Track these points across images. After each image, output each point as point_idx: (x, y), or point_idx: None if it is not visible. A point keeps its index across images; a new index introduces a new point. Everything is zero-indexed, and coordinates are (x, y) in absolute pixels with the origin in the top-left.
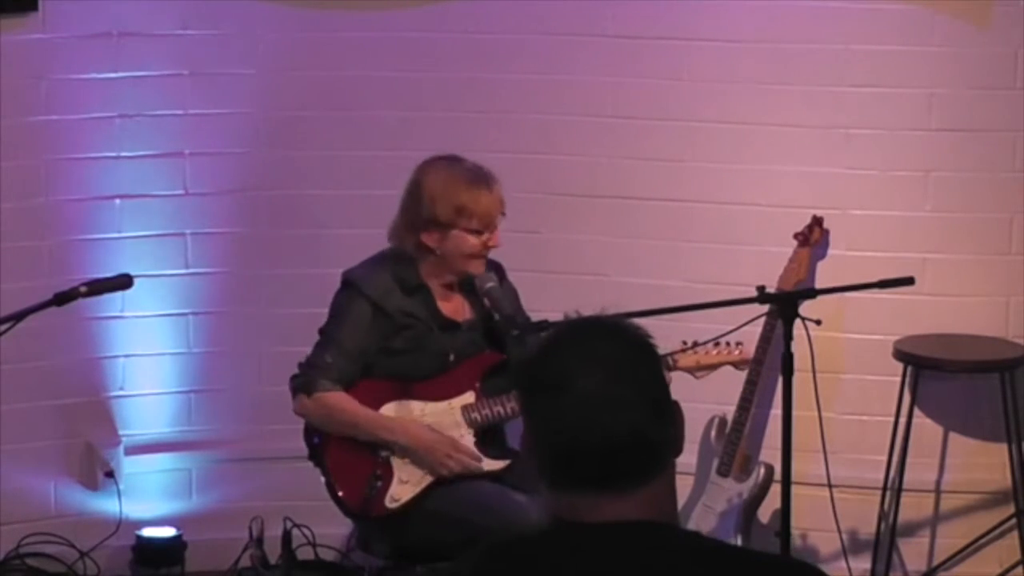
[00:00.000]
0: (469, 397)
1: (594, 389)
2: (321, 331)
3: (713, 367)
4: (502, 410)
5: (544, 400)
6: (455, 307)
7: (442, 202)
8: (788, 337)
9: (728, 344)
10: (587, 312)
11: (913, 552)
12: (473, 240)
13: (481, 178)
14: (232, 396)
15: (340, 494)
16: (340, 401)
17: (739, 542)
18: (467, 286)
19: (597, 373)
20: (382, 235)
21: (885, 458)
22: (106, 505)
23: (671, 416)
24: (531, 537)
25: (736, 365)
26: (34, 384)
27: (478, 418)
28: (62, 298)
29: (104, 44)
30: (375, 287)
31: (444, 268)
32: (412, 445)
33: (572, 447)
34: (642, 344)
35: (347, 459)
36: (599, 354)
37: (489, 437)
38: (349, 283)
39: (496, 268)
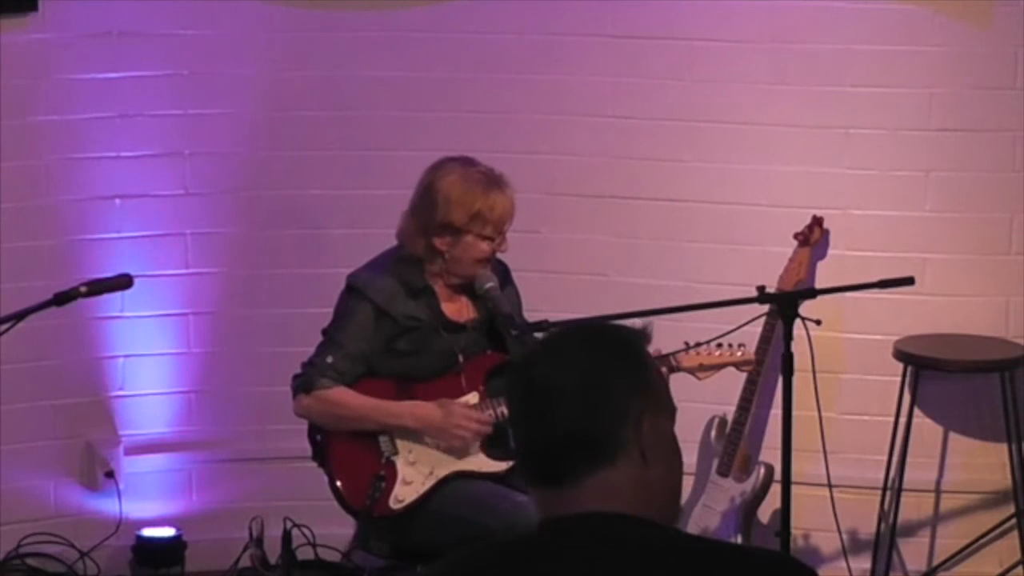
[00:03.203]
0: (473, 398)
1: (536, 383)
2: (324, 332)
3: (716, 368)
4: (505, 411)
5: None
6: (459, 308)
7: (458, 208)
8: (788, 337)
9: (731, 345)
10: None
11: (913, 552)
12: (484, 246)
13: (495, 182)
14: (232, 396)
15: (344, 495)
16: (341, 395)
17: (739, 542)
18: (471, 287)
19: (546, 368)
20: (382, 235)
21: (885, 458)
22: (106, 505)
23: (628, 418)
24: (505, 539)
25: (739, 366)
26: (34, 384)
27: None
28: (62, 298)
29: (104, 44)
30: (379, 291)
31: (451, 271)
32: (420, 426)
33: (522, 441)
34: (618, 345)
35: (351, 460)
36: (562, 352)
37: (493, 438)
38: (353, 286)
39: (503, 269)
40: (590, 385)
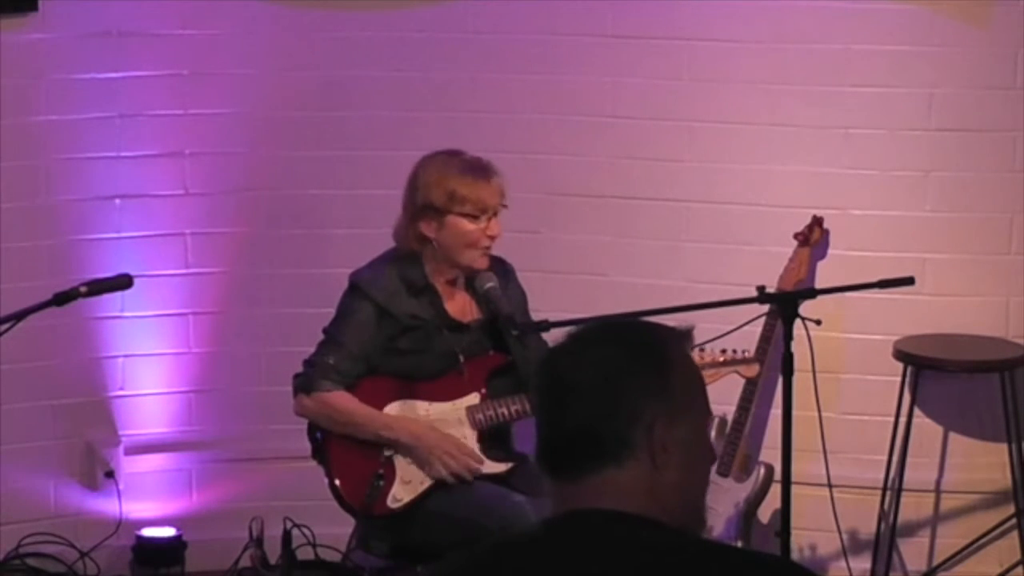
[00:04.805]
0: (474, 398)
1: (554, 374)
2: (325, 331)
3: (718, 368)
4: (507, 411)
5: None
6: (462, 307)
7: (436, 188)
8: (788, 337)
9: (735, 351)
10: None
11: (913, 552)
12: (469, 226)
13: (477, 167)
14: (232, 396)
15: (342, 493)
16: (340, 400)
17: (739, 543)
18: (473, 286)
19: (566, 361)
20: (382, 235)
21: (885, 458)
22: (106, 505)
23: (639, 420)
24: (506, 538)
25: (742, 371)
26: (34, 384)
27: (482, 419)
28: (62, 298)
29: (104, 44)
30: (381, 289)
31: (446, 262)
32: (413, 444)
33: (538, 432)
34: (643, 345)
35: (350, 458)
36: (586, 346)
37: (494, 439)
38: (355, 285)
39: (505, 269)
40: (604, 383)
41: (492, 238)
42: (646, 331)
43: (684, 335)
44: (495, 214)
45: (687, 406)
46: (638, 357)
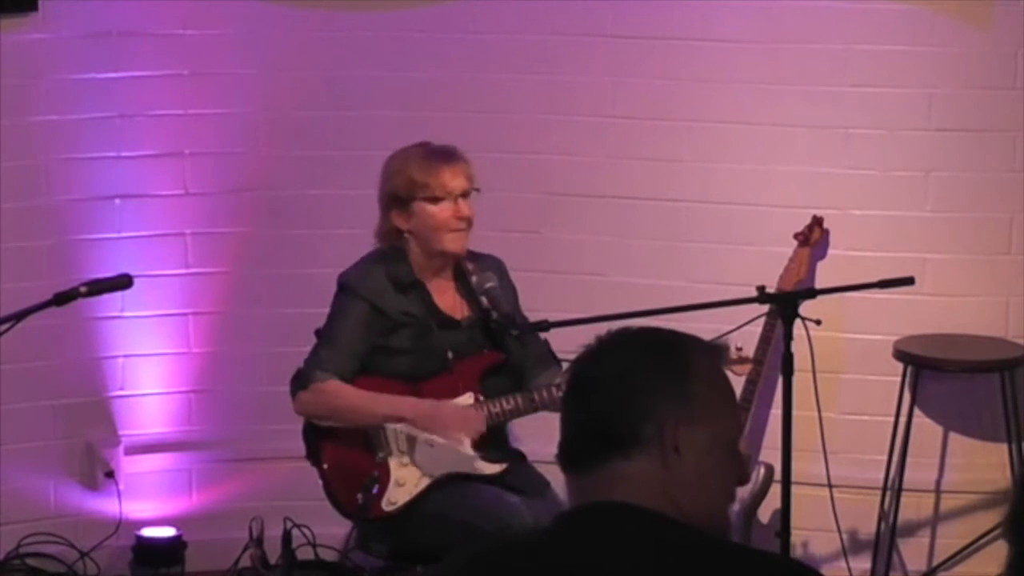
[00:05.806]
0: (468, 399)
1: (579, 371)
2: (317, 332)
3: None
4: (500, 410)
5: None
6: (453, 303)
7: (397, 177)
8: (788, 337)
9: (728, 347)
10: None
11: (913, 552)
12: (435, 209)
13: (437, 152)
14: (232, 396)
15: (337, 497)
16: (338, 388)
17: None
18: (464, 283)
19: (592, 359)
20: None
21: (885, 458)
22: (106, 505)
23: (650, 418)
24: (516, 535)
25: (735, 368)
26: (34, 384)
27: None
28: (62, 298)
29: (104, 44)
30: (370, 287)
31: (426, 252)
32: (417, 417)
33: (560, 430)
34: (666, 350)
35: (344, 462)
36: (612, 347)
37: (489, 439)
38: (345, 285)
39: (497, 266)
40: (618, 380)
41: (463, 219)
42: (670, 337)
43: (716, 350)
44: (464, 196)
45: (707, 414)
46: (656, 359)
